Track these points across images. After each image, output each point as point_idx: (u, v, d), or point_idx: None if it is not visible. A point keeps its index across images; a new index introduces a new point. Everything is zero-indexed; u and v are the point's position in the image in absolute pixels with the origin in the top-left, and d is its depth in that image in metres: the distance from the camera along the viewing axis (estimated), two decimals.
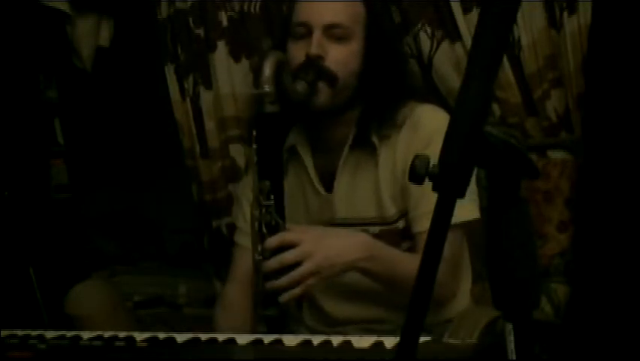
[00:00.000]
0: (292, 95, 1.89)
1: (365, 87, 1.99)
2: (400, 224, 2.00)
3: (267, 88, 1.83)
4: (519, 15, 2.27)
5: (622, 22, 2.20)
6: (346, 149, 2.02)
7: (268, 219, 1.84)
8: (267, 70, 1.83)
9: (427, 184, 2.04)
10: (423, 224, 1.94)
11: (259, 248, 1.87)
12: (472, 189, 1.77)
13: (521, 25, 2.35)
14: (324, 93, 1.94)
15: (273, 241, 1.84)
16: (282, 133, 2.06)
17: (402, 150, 1.97)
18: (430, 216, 1.87)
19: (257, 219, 1.86)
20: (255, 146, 1.88)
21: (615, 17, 2.21)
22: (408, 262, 1.88)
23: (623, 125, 2.20)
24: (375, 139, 1.99)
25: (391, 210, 1.99)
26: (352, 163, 2.03)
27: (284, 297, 1.83)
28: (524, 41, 2.36)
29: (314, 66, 1.93)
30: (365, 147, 2.00)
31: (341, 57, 1.96)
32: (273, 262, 1.83)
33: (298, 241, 1.84)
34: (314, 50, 1.93)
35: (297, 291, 1.83)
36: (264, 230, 1.86)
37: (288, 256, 1.83)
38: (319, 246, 1.84)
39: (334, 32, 1.96)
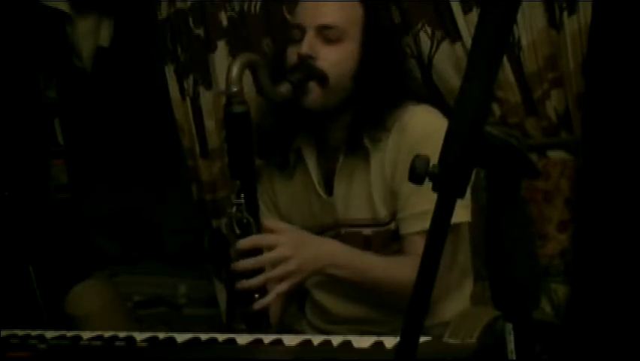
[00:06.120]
0: (273, 97, 1.90)
1: (361, 89, 1.98)
2: (393, 226, 2.01)
3: (234, 88, 1.84)
4: (519, 15, 2.27)
5: (622, 22, 2.20)
6: (342, 152, 2.02)
7: (239, 217, 1.85)
8: (235, 70, 1.85)
9: (415, 187, 2.05)
10: (408, 226, 1.96)
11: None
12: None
13: (521, 25, 2.35)
14: (314, 92, 1.95)
15: (246, 243, 1.84)
16: (287, 137, 2.08)
17: (390, 153, 1.98)
18: (415, 219, 1.92)
19: (230, 217, 1.88)
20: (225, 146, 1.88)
21: (615, 17, 2.21)
22: (380, 268, 1.94)
23: (622, 126, 2.20)
24: (367, 142, 1.99)
25: (383, 212, 2.00)
26: (349, 166, 2.03)
27: (256, 305, 1.83)
28: (524, 41, 2.36)
29: (304, 66, 1.93)
30: (358, 150, 2.00)
31: (333, 58, 1.96)
32: (250, 263, 1.84)
33: (275, 244, 1.85)
34: (304, 49, 1.94)
35: (269, 299, 1.84)
36: (237, 229, 1.87)
37: (265, 259, 1.84)
38: (295, 252, 1.86)
39: (327, 33, 1.96)
